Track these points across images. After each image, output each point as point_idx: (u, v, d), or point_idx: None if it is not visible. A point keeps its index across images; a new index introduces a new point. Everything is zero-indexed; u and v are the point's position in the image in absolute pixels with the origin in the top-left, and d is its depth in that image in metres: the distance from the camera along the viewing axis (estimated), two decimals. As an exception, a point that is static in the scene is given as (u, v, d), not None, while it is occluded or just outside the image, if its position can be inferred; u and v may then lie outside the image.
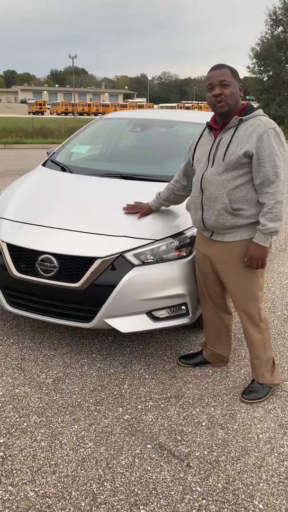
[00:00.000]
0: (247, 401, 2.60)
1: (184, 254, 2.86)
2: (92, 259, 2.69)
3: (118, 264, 2.70)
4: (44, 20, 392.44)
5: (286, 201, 2.30)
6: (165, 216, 2.98)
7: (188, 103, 77.57)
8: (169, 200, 2.92)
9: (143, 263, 2.74)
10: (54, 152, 4.11)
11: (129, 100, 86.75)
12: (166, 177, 3.14)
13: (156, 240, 2.79)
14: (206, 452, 2.23)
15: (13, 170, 10.57)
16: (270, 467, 2.15)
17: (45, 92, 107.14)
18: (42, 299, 2.86)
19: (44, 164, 3.93)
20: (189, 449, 2.24)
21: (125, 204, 2.97)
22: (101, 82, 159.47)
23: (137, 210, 2.94)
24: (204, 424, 2.42)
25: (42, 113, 57.94)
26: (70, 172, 3.68)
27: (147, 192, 3.03)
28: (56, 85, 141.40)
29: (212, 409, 2.54)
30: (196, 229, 2.75)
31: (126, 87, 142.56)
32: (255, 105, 30.03)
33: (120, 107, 63.81)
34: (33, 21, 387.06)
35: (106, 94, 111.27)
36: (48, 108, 66.04)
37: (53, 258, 2.73)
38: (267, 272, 4.64)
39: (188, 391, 2.68)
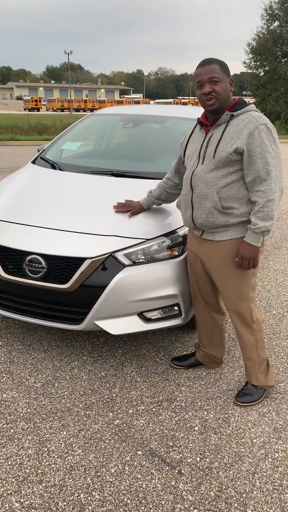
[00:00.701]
0: (241, 404, 2.53)
1: (176, 254, 2.78)
2: (81, 260, 2.61)
3: (108, 265, 2.62)
4: (39, 16, 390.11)
5: (278, 199, 2.22)
6: (156, 215, 2.90)
7: (184, 98, 77.26)
8: (160, 198, 2.84)
9: (134, 263, 2.66)
10: (44, 149, 4.02)
11: (126, 96, 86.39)
12: (158, 174, 3.06)
13: (148, 240, 2.72)
14: (198, 459, 2.16)
15: (6, 167, 10.45)
16: (264, 474, 2.09)
17: (41, 88, 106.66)
18: (31, 300, 2.78)
19: (34, 162, 3.85)
20: (181, 455, 2.18)
21: (116, 203, 2.90)
22: (97, 78, 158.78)
23: (128, 208, 2.86)
24: (196, 428, 2.36)
25: (38, 110, 57.67)
26: (60, 170, 3.60)
27: (139, 190, 2.95)
28: (52, 81, 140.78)
29: (205, 413, 2.48)
30: (187, 228, 2.68)
31: (122, 83, 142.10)
32: (252, 100, 29.97)
33: (116, 103, 63.58)
34: (29, 17, 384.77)
35: (102, 90, 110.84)
36: (44, 105, 65.71)
37: (41, 259, 2.65)
38: (262, 270, 4.58)
39: (181, 394, 2.61)
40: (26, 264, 2.68)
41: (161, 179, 2.83)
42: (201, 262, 2.55)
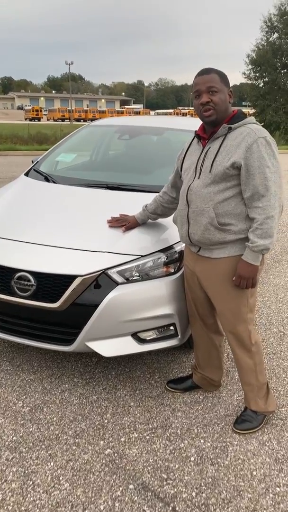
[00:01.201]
0: (239, 431, 2.39)
1: (172, 271, 2.66)
2: (72, 277, 2.48)
3: (100, 282, 2.50)
4: (41, 27, 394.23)
5: (278, 216, 2.11)
6: (152, 230, 2.78)
7: (184, 109, 77.71)
8: (156, 213, 2.73)
9: (128, 281, 2.54)
10: (38, 161, 3.92)
11: (126, 107, 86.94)
12: (155, 188, 2.96)
13: (142, 256, 2.59)
14: (194, 494, 2.01)
15: (4, 178, 10.36)
16: (264, 511, 1.94)
17: (42, 98, 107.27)
18: (19, 320, 2.66)
19: (27, 174, 3.74)
20: (175, 489, 2.03)
21: (110, 217, 2.78)
22: (98, 89, 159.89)
23: (122, 223, 2.75)
24: (192, 459, 2.21)
25: (39, 120, 57.95)
26: (54, 182, 3.48)
27: (134, 204, 2.84)
28: (53, 92, 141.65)
29: (202, 441, 2.33)
30: (184, 244, 2.56)
31: (123, 93, 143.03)
32: (251, 111, 30.07)
33: (117, 113, 63.91)
34: (30, 29, 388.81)
35: (103, 100, 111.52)
36: (45, 114, 66.06)
37: (30, 276, 2.53)
38: (262, 285, 4.45)
39: (176, 421, 2.47)
40: (14, 281, 2.56)
41: (158, 192, 2.72)
42: (198, 280, 2.42)
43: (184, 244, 2.59)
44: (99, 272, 2.49)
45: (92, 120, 57.95)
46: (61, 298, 2.49)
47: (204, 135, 2.29)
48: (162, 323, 2.63)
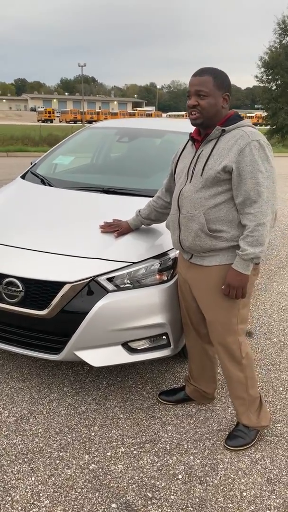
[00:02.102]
0: (231, 448, 2.28)
1: (165, 279, 2.56)
2: (60, 284, 2.40)
3: (89, 290, 2.42)
4: (55, 30, 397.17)
5: (270, 223, 2.00)
6: (145, 235, 2.69)
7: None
8: (150, 218, 2.64)
9: (119, 289, 2.45)
10: (35, 163, 3.85)
11: (138, 109, 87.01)
12: (151, 192, 2.86)
13: (134, 263, 2.51)
14: (179, 515, 1.92)
15: (11, 179, 10.33)
16: (252, 536, 1.84)
17: (54, 100, 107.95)
18: (7, 327, 2.58)
19: (23, 176, 3.67)
20: (159, 510, 1.93)
21: (103, 222, 2.70)
22: (111, 91, 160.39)
23: (115, 228, 2.66)
24: (180, 477, 2.11)
25: (51, 121, 58.25)
26: (49, 185, 3.41)
27: (129, 208, 2.75)
28: (66, 93, 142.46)
29: (191, 457, 2.23)
30: (178, 251, 2.47)
31: (135, 95, 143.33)
32: (263, 114, 29.82)
33: (129, 115, 63.99)
34: (44, 31, 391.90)
35: (115, 102, 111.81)
36: (57, 116, 66.40)
37: (18, 282, 2.45)
38: (265, 292, 4.33)
39: (166, 435, 2.37)
40: (2, 287, 2.49)
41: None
42: (189, 288, 2.33)
43: (177, 252, 2.50)
44: (88, 279, 2.41)
45: (103, 122, 58.12)
46: (49, 306, 2.41)
47: (198, 138, 2.20)
48: (154, 333, 2.54)
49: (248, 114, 70.21)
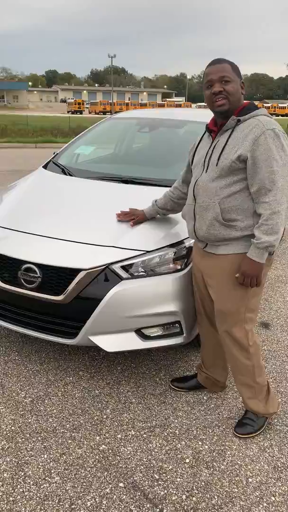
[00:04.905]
0: (240, 436, 2.31)
1: (179, 267, 2.59)
2: (76, 271, 2.47)
3: (104, 277, 2.47)
4: (86, 21, 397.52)
5: (285, 211, 2.00)
6: (160, 225, 2.73)
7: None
8: (166, 208, 2.67)
9: (133, 276, 2.50)
10: (57, 153, 3.93)
11: (167, 99, 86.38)
12: (170, 182, 2.88)
13: (148, 251, 2.55)
14: (184, 497, 1.96)
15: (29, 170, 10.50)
16: (255, 521, 1.87)
17: (84, 91, 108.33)
18: (25, 311, 2.68)
19: (45, 166, 3.76)
20: (165, 491, 1.99)
21: (119, 211, 2.75)
22: (140, 82, 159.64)
23: (130, 217, 2.71)
24: (187, 461, 2.16)
25: (81, 112, 58.63)
26: (70, 175, 3.48)
27: (148, 198, 2.78)
28: (96, 85, 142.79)
29: (200, 443, 2.27)
30: (193, 240, 2.49)
31: (165, 86, 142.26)
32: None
33: (158, 106, 63.61)
34: (75, 22, 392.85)
35: (145, 93, 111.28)
36: (87, 107, 66.70)
37: (36, 268, 2.54)
38: (285, 284, 4.29)
39: (176, 420, 2.42)
40: (21, 273, 2.57)
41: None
42: (203, 277, 2.36)
43: (193, 240, 2.53)
44: (103, 267, 2.47)
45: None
46: (65, 291, 2.49)
47: (214, 128, 2.22)
48: (167, 320, 2.58)
49: (280, 105, 68.64)
